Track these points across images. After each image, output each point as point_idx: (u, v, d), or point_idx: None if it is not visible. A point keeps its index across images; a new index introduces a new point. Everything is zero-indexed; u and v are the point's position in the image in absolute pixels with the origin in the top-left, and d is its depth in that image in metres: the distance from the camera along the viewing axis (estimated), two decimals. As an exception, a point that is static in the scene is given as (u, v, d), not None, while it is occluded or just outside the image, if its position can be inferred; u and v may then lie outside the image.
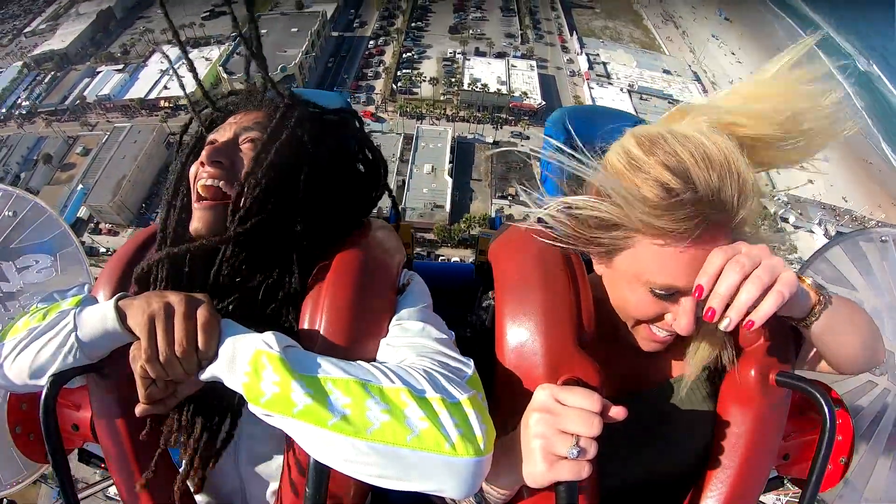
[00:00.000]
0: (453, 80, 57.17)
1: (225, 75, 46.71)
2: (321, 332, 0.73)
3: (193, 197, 0.80)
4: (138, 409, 0.68)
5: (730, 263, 0.63)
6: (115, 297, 0.70)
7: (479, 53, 64.59)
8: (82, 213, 37.33)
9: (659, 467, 0.85)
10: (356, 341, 0.73)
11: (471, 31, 72.33)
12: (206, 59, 50.59)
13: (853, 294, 1.21)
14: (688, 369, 0.87)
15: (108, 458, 0.81)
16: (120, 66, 56.57)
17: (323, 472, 0.64)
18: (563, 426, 0.61)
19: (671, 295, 0.72)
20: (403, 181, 42.28)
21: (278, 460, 0.80)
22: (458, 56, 62.87)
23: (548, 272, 0.79)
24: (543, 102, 53.09)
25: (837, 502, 1.13)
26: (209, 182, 0.78)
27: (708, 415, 0.85)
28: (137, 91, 50.89)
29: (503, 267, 0.84)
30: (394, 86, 53.45)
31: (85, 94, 50.36)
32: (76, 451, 1.13)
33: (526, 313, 0.76)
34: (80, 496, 0.77)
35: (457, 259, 36.65)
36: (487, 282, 0.91)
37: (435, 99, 53.79)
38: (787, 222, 40.02)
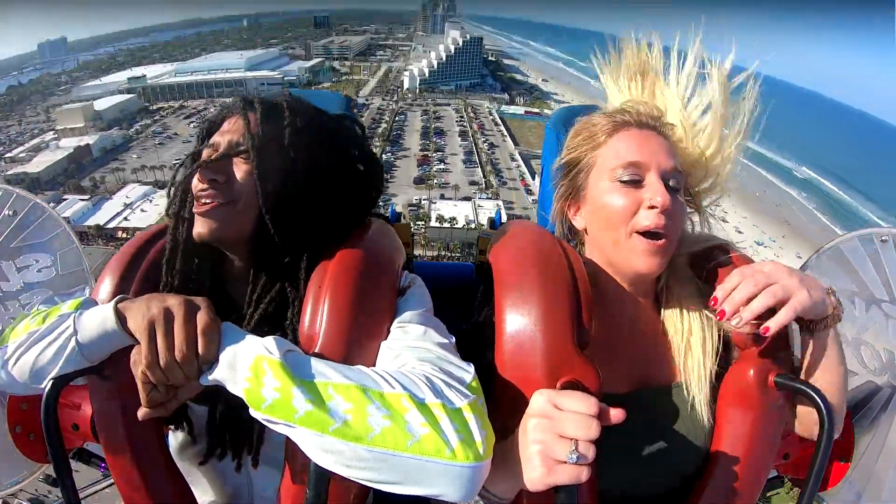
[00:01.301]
0: (419, 221, 58.29)
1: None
2: (321, 335, 0.72)
3: (195, 206, 0.81)
4: (140, 413, 0.68)
5: (747, 278, 0.75)
6: (114, 301, 0.70)
7: (444, 199, 67.46)
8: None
9: (659, 469, 0.85)
10: (356, 344, 0.73)
11: (435, 181, 76.46)
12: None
13: (853, 294, 1.21)
14: (688, 372, 0.87)
15: (108, 458, 0.81)
16: (87, 197, 59.63)
17: (323, 475, 0.64)
18: (561, 431, 0.62)
19: (637, 181, 0.83)
20: None
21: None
22: (423, 202, 65.08)
23: (548, 273, 0.79)
24: None
25: (837, 502, 1.13)
26: (207, 201, 0.79)
27: (707, 417, 0.85)
28: (97, 219, 52.61)
29: (503, 267, 0.84)
30: None
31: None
32: (76, 450, 1.13)
33: (525, 315, 0.76)
34: (80, 496, 0.77)
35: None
36: (487, 282, 0.91)
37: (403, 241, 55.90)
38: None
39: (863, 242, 1.23)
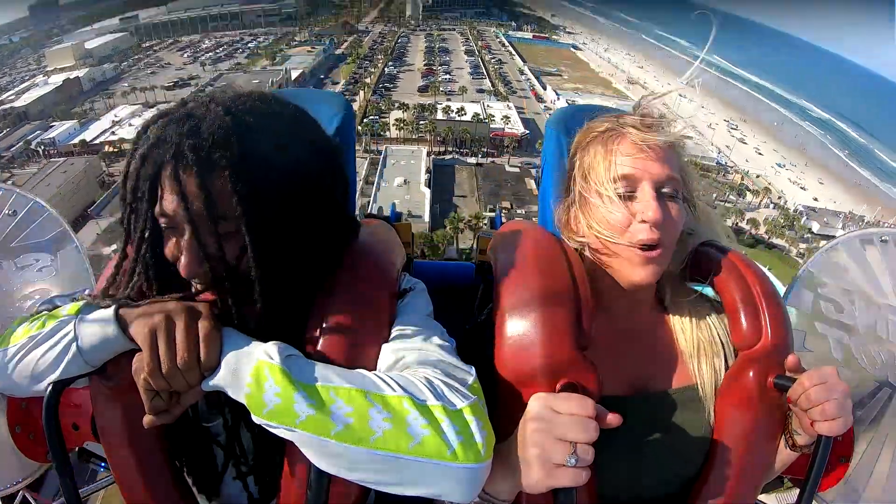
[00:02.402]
0: (425, 112, 55.50)
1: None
2: (321, 339, 0.72)
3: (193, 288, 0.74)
4: (145, 421, 0.68)
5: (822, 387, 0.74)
6: (115, 306, 0.70)
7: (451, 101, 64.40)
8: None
9: (660, 472, 0.85)
10: (356, 347, 0.73)
11: (440, 89, 73.69)
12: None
13: (853, 294, 1.21)
14: (692, 376, 0.88)
15: (109, 458, 0.81)
16: (73, 121, 57.19)
17: (322, 478, 0.65)
18: (559, 434, 0.62)
19: (631, 194, 0.84)
20: (368, 202, 36.44)
21: None
22: (429, 104, 61.87)
23: (547, 274, 0.79)
24: (528, 131, 51.38)
25: (837, 502, 1.13)
26: (207, 294, 0.73)
27: (708, 420, 0.86)
28: (84, 138, 50.29)
29: (503, 267, 0.84)
30: (358, 127, 50.22)
31: (29, 138, 50.07)
32: (76, 450, 1.13)
33: (525, 316, 0.76)
34: (81, 496, 0.78)
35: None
36: (487, 282, 0.91)
37: (405, 138, 51.03)
38: (812, 232, 40.52)
39: (863, 242, 1.23)
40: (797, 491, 0.81)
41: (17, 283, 1.29)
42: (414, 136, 51.89)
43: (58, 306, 0.80)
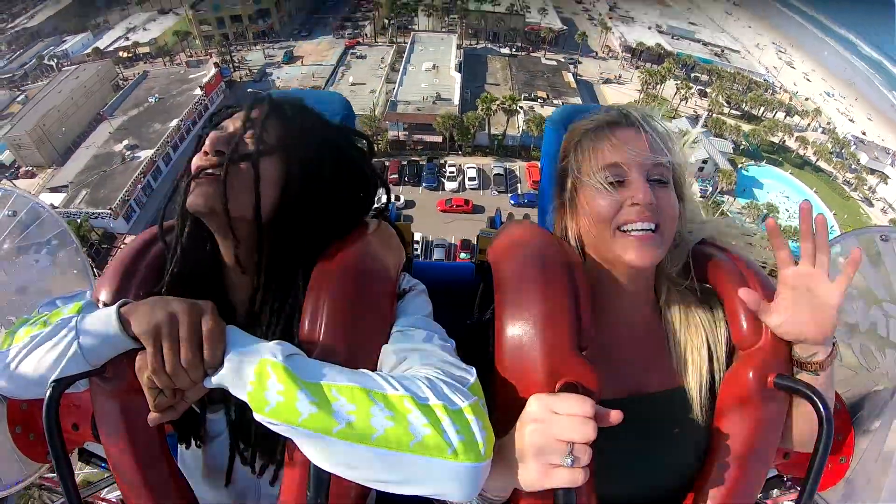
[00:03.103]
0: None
1: (192, 16, 43.89)
2: (321, 339, 0.73)
3: (192, 182, 0.78)
4: (151, 419, 0.69)
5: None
6: (117, 304, 0.71)
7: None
8: (4, 157, 32.26)
9: (660, 473, 0.85)
10: (357, 347, 0.73)
11: None
12: (176, 14, 48.70)
13: (853, 293, 1.21)
14: (689, 377, 0.88)
15: (110, 459, 0.81)
16: (86, 32, 54.24)
17: (323, 475, 0.65)
18: (557, 435, 0.62)
19: (621, 182, 0.84)
20: (393, 88, 34.45)
21: None
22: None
23: (547, 274, 0.79)
24: (566, 27, 47.80)
25: (837, 502, 1.14)
26: (209, 171, 0.77)
27: (708, 421, 0.86)
28: (98, 46, 47.89)
29: (502, 267, 0.84)
30: (385, 21, 46.90)
31: (43, 53, 48.06)
32: (76, 450, 1.14)
33: (524, 316, 0.76)
34: (82, 496, 0.77)
35: (472, 168, 30.37)
36: (487, 282, 0.91)
37: (434, 29, 46.56)
38: (860, 163, 38.98)
39: (863, 242, 1.23)
40: (797, 491, 0.81)
41: (18, 284, 1.29)
42: (444, 28, 48.57)
43: (58, 306, 0.81)
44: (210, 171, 0.77)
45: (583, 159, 0.89)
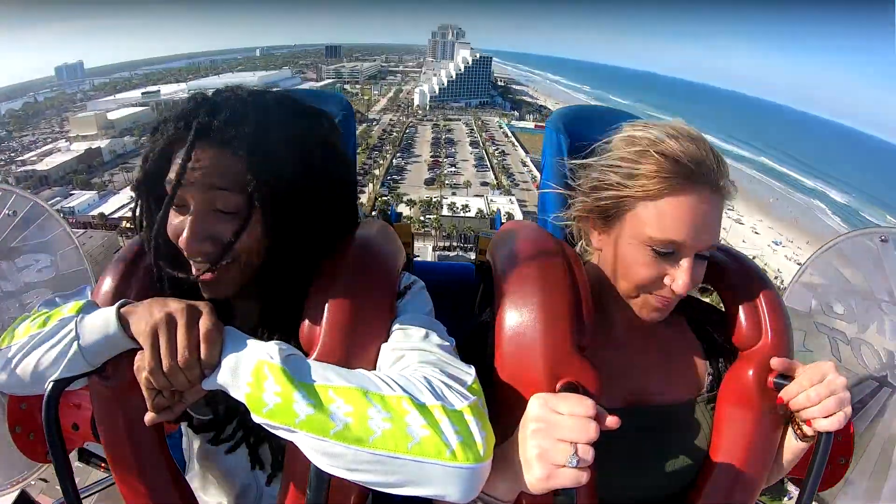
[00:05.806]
0: (430, 207, 57.79)
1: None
2: (320, 339, 0.72)
3: (193, 269, 0.76)
4: (147, 419, 0.69)
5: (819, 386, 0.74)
6: (117, 305, 0.70)
7: (456, 196, 68.13)
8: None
9: (659, 478, 0.85)
10: (356, 346, 0.73)
11: (446, 182, 77.27)
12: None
13: (853, 293, 1.21)
14: (688, 382, 0.88)
15: (109, 458, 0.81)
16: (93, 192, 59.57)
17: (323, 478, 0.64)
18: (559, 435, 0.62)
19: (670, 254, 0.77)
20: None
21: None
22: (434, 199, 65.05)
23: (547, 274, 0.79)
24: None
25: (837, 502, 1.14)
26: (206, 268, 0.74)
27: (708, 428, 0.86)
28: (103, 211, 52.05)
29: (503, 268, 0.84)
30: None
31: (51, 202, 52.56)
32: (76, 450, 1.14)
33: (525, 316, 0.76)
34: (81, 496, 0.77)
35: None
36: (487, 282, 0.91)
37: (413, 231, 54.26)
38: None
39: (863, 242, 1.23)
40: (797, 491, 0.81)
41: (17, 283, 1.29)
42: (420, 231, 52.86)
43: (58, 304, 0.81)
44: (209, 268, 0.73)
45: (641, 206, 0.78)
